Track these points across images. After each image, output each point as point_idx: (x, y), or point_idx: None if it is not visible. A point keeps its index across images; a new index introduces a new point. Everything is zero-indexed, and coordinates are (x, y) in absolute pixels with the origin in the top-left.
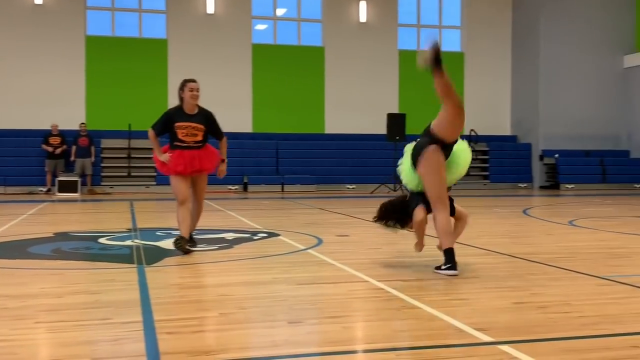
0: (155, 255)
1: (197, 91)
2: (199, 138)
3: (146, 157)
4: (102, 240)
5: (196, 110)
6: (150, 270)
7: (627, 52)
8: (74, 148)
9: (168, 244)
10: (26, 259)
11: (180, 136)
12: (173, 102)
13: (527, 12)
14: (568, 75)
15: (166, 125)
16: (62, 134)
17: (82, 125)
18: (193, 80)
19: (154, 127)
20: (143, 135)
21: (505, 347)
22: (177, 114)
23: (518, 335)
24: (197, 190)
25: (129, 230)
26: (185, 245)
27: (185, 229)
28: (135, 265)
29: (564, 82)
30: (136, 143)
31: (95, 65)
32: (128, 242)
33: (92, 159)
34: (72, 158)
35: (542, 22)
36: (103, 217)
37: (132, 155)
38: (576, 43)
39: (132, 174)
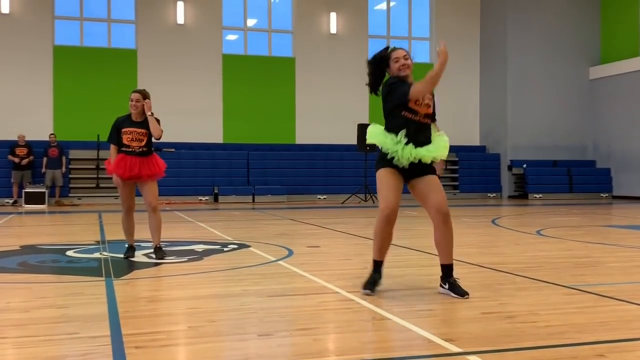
0: (124, 268)
1: (137, 101)
2: (143, 143)
3: None
4: (69, 252)
5: (142, 119)
6: (119, 283)
7: (592, 64)
8: (44, 159)
9: (137, 256)
10: None
11: (125, 141)
12: None
13: (495, 25)
14: (535, 87)
15: (118, 133)
16: (29, 144)
17: (52, 135)
18: (136, 91)
19: (110, 140)
20: None
21: (473, 358)
22: (125, 121)
23: (486, 346)
24: (145, 196)
25: (97, 242)
26: (127, 252)
27: (130, 237)
28: (103, 278)
29: (531, 94)
30: (105, 154)
31: (63, 75)
32: (96, 255)
33: (63, 169)
34: (43, 169)
35: (510, 35)
36: (71, 229)
37: (101, 167)
38: (543, 55)
39: (101, 185)
